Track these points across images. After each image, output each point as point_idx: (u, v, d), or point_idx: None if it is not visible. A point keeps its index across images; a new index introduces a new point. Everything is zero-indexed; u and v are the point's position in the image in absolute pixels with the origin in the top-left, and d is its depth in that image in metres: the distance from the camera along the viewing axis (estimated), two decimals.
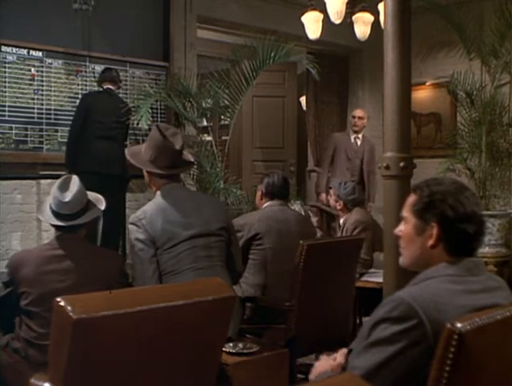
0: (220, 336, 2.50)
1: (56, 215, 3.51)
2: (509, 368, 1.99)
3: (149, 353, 2.16)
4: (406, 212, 2.30)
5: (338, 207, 5.94)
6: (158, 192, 3.84)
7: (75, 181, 3.56)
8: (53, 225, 3.58)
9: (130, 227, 3.72)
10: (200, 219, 3.81)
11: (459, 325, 1.77)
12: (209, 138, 7.57)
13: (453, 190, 2.21)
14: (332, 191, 6.08)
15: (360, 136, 8.98)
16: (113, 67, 7.11)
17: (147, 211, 3.71)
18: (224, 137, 8.12)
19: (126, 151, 4.10)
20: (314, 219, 8.11)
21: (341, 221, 5.92)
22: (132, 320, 2.07)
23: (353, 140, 8.95)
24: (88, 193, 3.66)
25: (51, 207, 3.54)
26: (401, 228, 2.32)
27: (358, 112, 8.99)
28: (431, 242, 2.20)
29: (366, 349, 2.04)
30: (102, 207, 3.68)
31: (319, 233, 6.74)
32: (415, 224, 2.25)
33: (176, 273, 3.67)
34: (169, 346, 2.22)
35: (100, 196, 3.74)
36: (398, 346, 1.97)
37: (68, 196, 3.49)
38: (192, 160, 4.19)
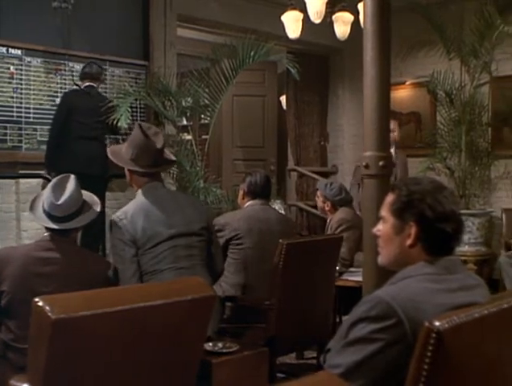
0: (199, 335, 2.50)
1: (49, 216, 3.44)
2: (487, 366, 2.00)
3: (128, 353, 2.15)
4: (384, 212, 2.31)
5: (327, 208, 5.91)
6: (140, 191, 3.84)
7: (71, 181, 3.48)
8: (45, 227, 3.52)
9: (111, 227, 3.71)
10: (181, 219, 3.82)
11: (437, 323, 1.77)
12: (189, 137, 7.56)
13: (432, 190, 2.22)
14: (318, 193, 6.06)
15: (392, 150, 7.96)
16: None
17: (128, 211, 3.71)
18: (204, 136, 8.09)
19: (108, 150, 4.08)
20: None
21: (329, 219, 5.91)
22: (111, 320, 2.07)
23: None
24: (84, 193, 3.58)
25: (43, 207, 3.46)
26: (379, 228, 2.33)
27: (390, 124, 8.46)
28: (409, 241, 2.21)
29: (345, 348, 2.04)
30: (98, 209, 3.63)
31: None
32: (394, 224, 2.26)
33: (157, 273, 3.67)
34: (149, 346, 2.22)
35: (96, 198, 3.69)
36: (377, 345, 1.97)
37: (62, 198, 3.41)
38: (174, 159, 4.18)
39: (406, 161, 8.36)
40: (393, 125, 7.87)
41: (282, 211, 7.09)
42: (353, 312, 2.07)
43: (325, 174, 10.28)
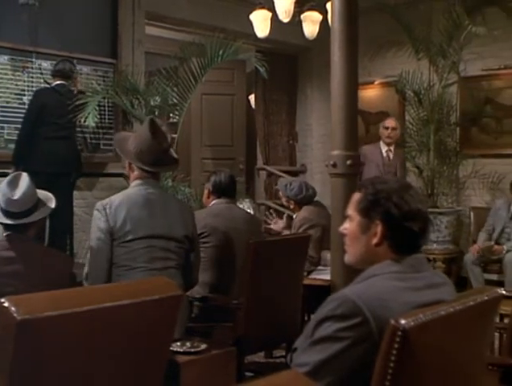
0: (167, 335, 2.49)
1: (5, 212, 3.42)
2: (452, 364, 2.01)
3: (95, 353, 2.13)
4: (350, 210, 2.31)
5: (291, 207, 5.92)
6: (133, 183, 3.88)
7: (24, 178, 3.48)
8: (1, 223, 3.49)
9: (95, 213, 3.75)
10: (163, 222, 3.83)
11: (403, 321, 1.78)
12: None
13: (398, 189, 2.22)
14: (280, 193, 6.06)
15: (392, 148, 8.19)
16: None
17: (114, 201, 3.75)
18: (173, 135, 8.04)
19: (115, 136, 4.09)
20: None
21: (294, 216, 5.91)
22: (78, 320, 2.05)
23: (385, 153, 8.17)
24: (38, 191, 3.58)
25: None
26: (346, 226, 2.33)
27: (391, 123, 8.23)
28: (375, 240, 2.21)
29: (311, 347, 2.04)
30: (52, 205, 3.62)
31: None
32: (360, 222, 2.26)
33: (129, 269, 3.69)
34: (116, 346, 2.20)
35: (50, 194, 3.68)
36: (343, 344, 1.97)
37: (18, 194, 3.40)
38: (177, 157, 4.17)
39: (404, 159, 8.45)
40: (394, 123, 8.24)
41: (251, 210, 7.07)
42: (318, 311, 2.06)
43: (294, 173, 10.30)
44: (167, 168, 4.45)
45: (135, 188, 3.85)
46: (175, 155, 4.10)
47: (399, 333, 1.77)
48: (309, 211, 5.68)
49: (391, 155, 8.15)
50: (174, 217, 3.90)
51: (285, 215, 6.27)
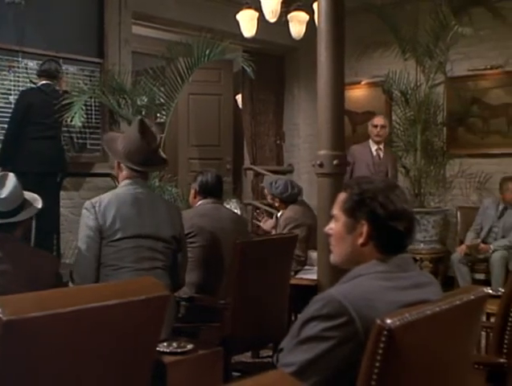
0: (154, 335, 2.48)
1: None
2: (438, 363, 2.01)
3: (82, 354, 2.13)
4: (336, 210, 2.30)
5: (276, 205, 5.91)
6: (122, 183, 3.91)
7: (11, 178, 3.47)
8: None
9: (83, 211, 3.76)
10: (151, 222, 3.85)
11: (388, 321, 1.78)
12: None
13: (383, 189, 2.22)
14: (266, 191, 6.05)
15: (382, 147, 7.97)
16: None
17: (103, 200, 3.77)
18: (160, 135, 8.02)
19: (105, 136, 4.10)
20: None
21: (279, 215, 5.90)
22: (64, 320, 2.04)
23: (375, 152, 7.93)
24: (24, 193, 3.58)
25: None
26: (331, 226, 2.33)
27: (379, 121, 8.02)
28: (361, 240, 2.21)
29: (297, 346, 2.04)
30: (39, 205, 3.61)
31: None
32: (345, 222, 2.26)
33: (116, 269, 3.70)
34: (103, 347, 2.19)
35: (36, 195, 3.67)
36: (329, 344, 1.97)
37: (4, 193, 3.39)
38: (165, 158, 4.19)
39: (395, 158, 8.37)
40: (383, 120, 8.06)
41: (238, 210, 7.07)
42: (304, 311, 2.06)
43: (281, 173, 10.27)
44: (155, 168, 4.48)
45: (124, 188, 3.87)
46: (163, 156, 4.12)
47: (385, 332, 1.77)
48: (294, 211, 5.67)
49: (381, 154, 7.94)
50: (162, 217, 3.92)
51: (275, 215, 6.27)
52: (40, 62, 6.88)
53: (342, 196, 2.30)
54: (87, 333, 2.11)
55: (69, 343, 2.08)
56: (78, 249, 3.77)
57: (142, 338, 2.35)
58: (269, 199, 6.07)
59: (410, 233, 2.23)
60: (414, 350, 1.88)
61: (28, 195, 3.61)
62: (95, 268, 3.71)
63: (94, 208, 3.71)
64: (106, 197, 3.80)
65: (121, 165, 3.92)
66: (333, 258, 2.34)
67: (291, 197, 5.75)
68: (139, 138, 3.81)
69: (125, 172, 3.91)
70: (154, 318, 2.38)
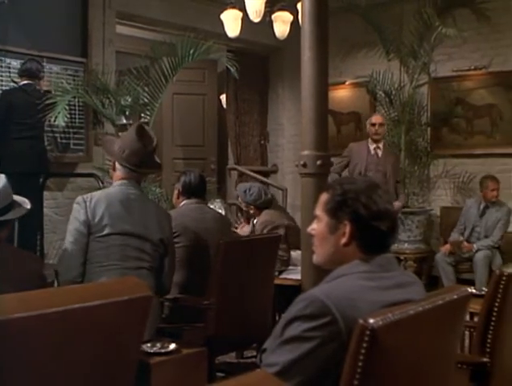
0: (137, 336, 2.47)
1: None
2: (422, 363, 2.02)
3: (66, 354, 2.11)
4: (319, 211, 2.30)
5: (251, 212, 5.94)
6: (115, 183, 3.96)
7: (0, 178, 3.46)
8: None
9: (74, 206, 3.82)
10: (140, 222, 3.88)
11: (371, 321, 1.78)
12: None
13: (366, 189, 2.22)
14: (240, 199, 6.06)
15: (381, 145, 7.81)
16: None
17: (94, 196, 3.84)
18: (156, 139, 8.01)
19: (104, 138, 4.19)
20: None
21: (254, 221, 5.93)
22: (49, 321, 2.02)
23: (372, 151, 7.76)
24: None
25: None
26: (314, 227, 2.33)
27: (377, 119, 7.90)
28: (344, 240, 2.21)
29: (280, 346, 2.03)
30: (28, 206, 3.60)
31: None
32: (328, 223, 2.26)
33: (102, 266, 3.72)
34: (86, 347, 2.18)
35: (24, 198, 3.65)
36: (312, 344, 1.97)
37: None
38: (160, 162, 4.23)
39: (397, 157, 8.25)
40: (381, 119, 7.98)
41: (223, 210, 7.07)
42: (288, 311, 2.06)
43: (265, 174, 10.31)
44: (149, 171, 4.53)
45: (117, 187, 3.93)
46: (158, 160, 4.14)
47: (368, 332, 1.77)
48: (269, 214, 5.72)
49: (380, 153, 7.76)
50: (151, 219, 3.94)
51: (251, 221, 6.28)
52: (23, 61, 6.84)
53: (324, 197, 2.30)
54: (71, 333, 2.10)
55: (53, 344, 2.06)
56: (66, 241, 3.80)
57: (126, 339, 2.34)
58: (243, 207, 6.09)
59: (393, 233, 2.24)
60: (397, 350, 1.88)
61: (16, 197, 3.60)
62: (80, 262, 3.72)
63: (85, 203, 3.77)
64: (97, 194, 3.89)
65: (117, 165, 3.96)
66: (316, 258, 2.34)
67: (264, 203, 5.79)
68: (136, 140, 3.88)
69: (119, 172, 3.95)
70: (137, 318, 2.37)
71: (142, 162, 3.92)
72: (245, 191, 5.87)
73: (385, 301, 2.03)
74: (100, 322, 2.20)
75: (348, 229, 2.20)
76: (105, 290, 2.35)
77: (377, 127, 7.70)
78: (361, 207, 2.18)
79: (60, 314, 2.04)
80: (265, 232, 5.48)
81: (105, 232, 3.74)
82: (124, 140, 4.00)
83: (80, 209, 3.77)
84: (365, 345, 1.78)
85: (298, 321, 2.00)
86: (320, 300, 1.98)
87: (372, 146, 7.74)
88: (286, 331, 2.03)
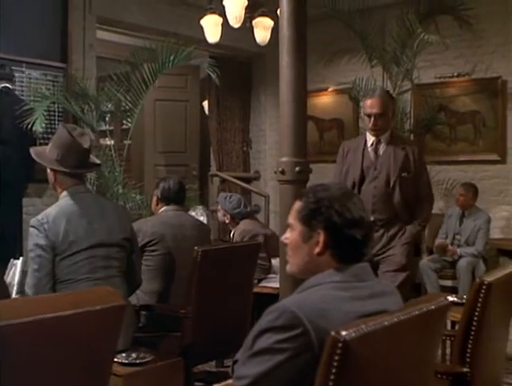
0: (110, 346, 2.42)
1: None
2: (398, 375, 1.97)
3: (36, 365, 2.06)
4: (292, 219, 2.26)
5: (226, 221, 5.95)
6: (63, 194, 3.74)
7: None
8: None
9: (31, 230, 3.59)
10: (104, 227, 3.75)
11: (343, 333, 1.72)
12: (109, 142, 7.43)
13: (340, 196, 2.18)
14: (219, 206, 6.06)
15: (383, 139, 5.19)
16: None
17: (50, 214, 3.60)
18: (125, 141, 7.98)
19: (31, 151, 3.96)
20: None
21: (232, 231, 5.92)
22: (19, 332, 1.97)
23: (370, 149, 5.21)
24: None
25: None
26: (287, 236, 2.28)
27: (373, 106, 5.11)
28: (317, 249, 2.17)
29: (250, 359, 1.98)
30: None
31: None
32: (302, 231, 2.21)
33: (72, 282, 3.59)
34: (57, 358, 2.14)
35: None
36: (283, 356, 1.92)
37: None
38: (99, 162, 4.11)
39: (419, 151, 5.49)
40: (378, 106, 5.09)
41: (204, 217, 7.06)
42: (258, 322, 2.01)
43: (248, 180, 10.28)
44: (89, 170, 4.37)
45: (67, 198, 3.71)
46: (95, 159, 4.02)
47: (340, 345, 1.71)
48: (246, 224, 5.78)
49: (380, 150, 5.19)
50: (112, 221, 3.82)
51: (229, 232, 6.28)
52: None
53: (298, 204, 2.25)
54: (41, 344, 2.06)
55: (23, 354, 2.02)
56: (30, 270, 3.59)
57: (98, 350, 2.30)
58: (220, 216, 6.09)
59: (368, 242, 2.20)
60: (371, 362, 1.83)
61: None
62: (49, 287, 3.56)
63: (43, 225, 3.55)
64: (52, 211, 3.63)
65: (57, 175, 3.74)
66: (290, 268, 2.29)
67: (240, 214, 5.83)
68: (71, 139, 3.69)
69: (63, 181, 3.74)
70: (110, 328, 2.33)
71: (81, 162, 3.74)
72: (225, 198, 5.94)
73: (359, 312, 1.98)
74: (72, 333, 2.16)
75: (322, 238, 2.16)
76: (78, 300, 2.30)
77: (373, 119, 5.10)
78: (335, 215, 2.14)
79: (31, 324, 1.99)
80: (244, 240, 5.46)
81: (71, 251, 3.58)
82: (55, 142, 3.77)
83: (38, 233, 3.56)
84: (337, 357, 1.72)
85: (268, 332, 1.95)
86: (290, 311, 1.93)
87: (370, 141, 5.24)
88: (257, 343, 1.97)
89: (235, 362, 2.17)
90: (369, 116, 5.10)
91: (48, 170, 3.79)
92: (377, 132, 5.14)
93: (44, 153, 3.80)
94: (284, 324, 1.92)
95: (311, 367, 1.84)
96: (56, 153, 3.70)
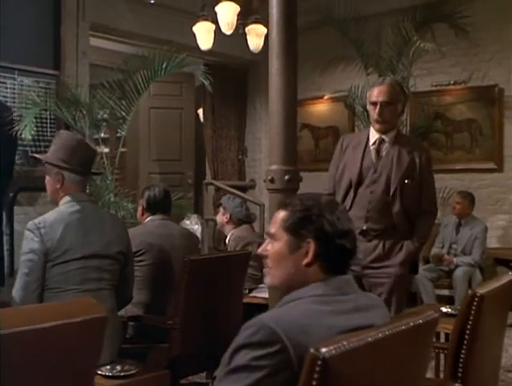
0: (92, 358, 2.36)
1: None
2: None
3: (18, 377, 2.00)
4: (275, 229, 2.16)
5: (225, 220, 5.88)
6: (66, 199, 3.67)
7: None
8: None
9: (26, 233, 3.51)
10: (100, 239, 3.68)
11: (323, 350, 1.63)
12: (101, 150, 7.36)
13: (327, 205, 2.11)
14: (222, 205, 6.02)
15: (387, 138, 4.46)
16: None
17: (47, 219, 3.53)
18: (118, 149, 7.93)
19: (37, 155, 3.90)
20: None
21: (228, 236, 5.85)
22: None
23: (372, 147, 4.49)
24: None
25: None
26: (267, 247, 2.19)
27: (380, 94, 4.38)
28: (306, 260, 2.08)
29: (227, 376, 1.89)
30: None
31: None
32: (288, 241, 2.12)
33: (60, 291, 3.51)
34: (38, 371, 2.07)
35: None
36: (261, 373, 1.83)
37: None
38: (100, 171, 4.07)
39: (427, 154, 4.84)
40: (386, 94, 4.37)
41: (199, 226, 7.02)
42: (236, 338, 1.92)
43: (243, 188, 10.21)
44: (94, 174, 4.31)
45: (68, 204, 3.65)
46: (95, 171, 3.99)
47: (319, 362, 1.62)
48: (241, 230, 5.75)
49: (383, 151, 4.47)
50: (109, 233, 3.75)
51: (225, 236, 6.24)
52: None
53: (282, 214, 2.16)
54: (21, 356, 2.00)
55: (3, 366, 1.94)
56: (20, 273, 3.54)
57: (80, 362, 2.24)
58: (220, 215, 6.03)
59: (355, 253, 2.13)
60: (353, 379, 1.74)
61: None
62: (38, 293, 3.50)
63: (39, 229, 3.47)
64: (51, 216, 3.57)
65: (64, 178, 3.66)
66: (270, 280, 2.19)
67: (240, 214, 5.76)
68: (77, 141, 3.70)
69: (69, 184, 3.66)
70: (92, 340, 2.27)
71: (85, 163, 3.70)
72: (228, 198, 6.03)
73: (342, 327, 1.90)
74: (53, 344, 2.10)
75: (312, 248, 2.07)
76: (59, 311, 2.25)
77: (378, 107, 4.37)
78: (327, 224, 2.06)
79: (10, 336, 1.94)
80: (237, 248, 5.41)
81: (64, 259, 3.50)
82: (57, 143, 3.73)
83: (33, 237, 3.48)
84: (316, 376, 1.63)
85: (246, 348, 1.86)
86: (268, 326, 1.84)
87: (373, 138, 4.51)
88: (234, 360, 1.89)
89: (214, 378, 2.09)
90: (374, 104, 4.39)
91: (53, 175, 3.70)
92: (381, 125, 4.41)
93: (47, 157, 3.75)
94: (261, 340, 1.83)
95: (291, 385, 1.76)
96: (61, 154, 3.65)
